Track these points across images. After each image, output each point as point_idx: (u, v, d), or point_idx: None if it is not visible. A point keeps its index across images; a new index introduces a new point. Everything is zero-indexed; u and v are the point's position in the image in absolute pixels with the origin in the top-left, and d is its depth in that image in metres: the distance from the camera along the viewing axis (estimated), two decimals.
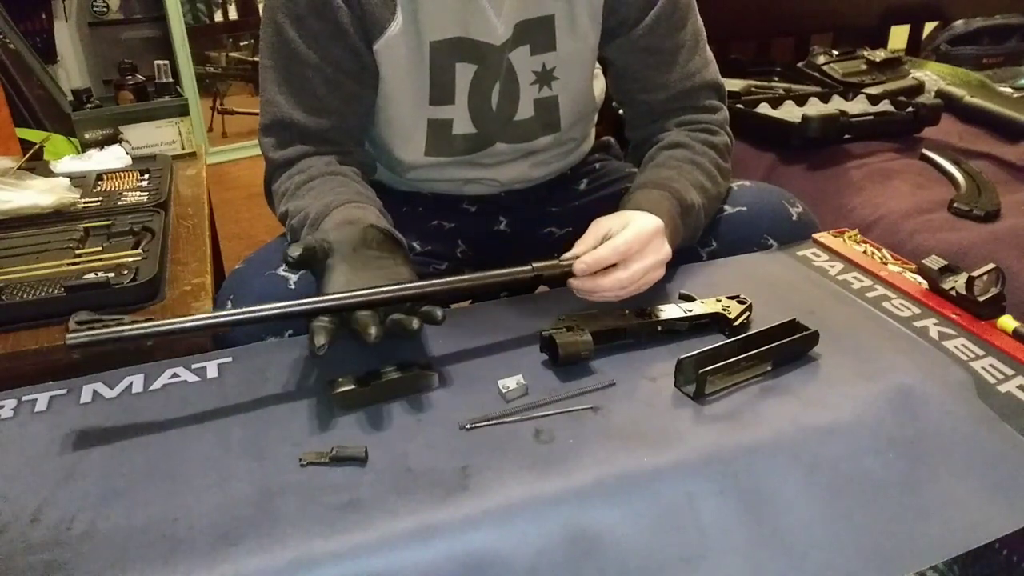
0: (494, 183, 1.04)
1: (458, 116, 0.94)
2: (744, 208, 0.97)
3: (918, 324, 0.77)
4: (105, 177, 1.31)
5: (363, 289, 0.68)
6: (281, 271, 0.84)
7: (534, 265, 0.76)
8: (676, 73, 0.96)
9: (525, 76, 0.94)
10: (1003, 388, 0.69)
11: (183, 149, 1.50)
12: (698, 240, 0.94)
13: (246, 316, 0.67)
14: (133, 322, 0.64)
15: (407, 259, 0.77)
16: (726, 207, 0.98)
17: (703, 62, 0.98)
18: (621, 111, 1.07)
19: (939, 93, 1.76)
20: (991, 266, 0.78)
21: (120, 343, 0.63)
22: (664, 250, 0.80)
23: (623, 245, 0.77)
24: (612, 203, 1.07)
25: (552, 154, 1.06)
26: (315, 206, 0.81)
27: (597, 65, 1.02)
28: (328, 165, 0.89)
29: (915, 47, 2.37)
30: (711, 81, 0.98)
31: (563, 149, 1.07)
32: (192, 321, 0.65)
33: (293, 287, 0.83)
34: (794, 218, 0.98)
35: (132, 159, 1.40)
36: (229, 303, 0.83)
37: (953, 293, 0.80)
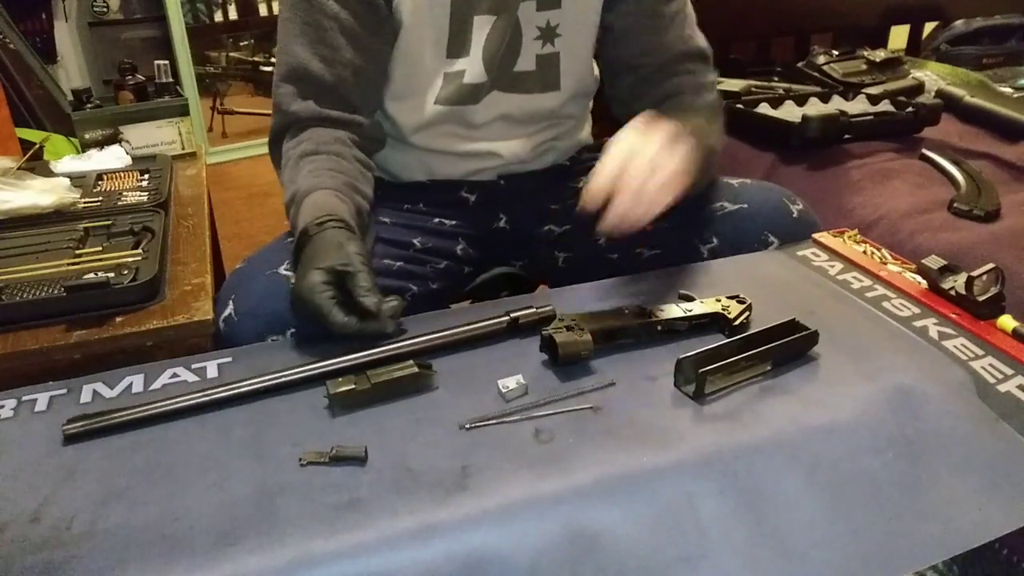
0: (494, 157, 1.05)
1: (470, 68, 0.96)
2: (745, 205, 0.97)
3: (918, 324, 0.77)
4: (105, 177, 1.31)
5: (348, 353, 0.70)
6: (282, 270, 0.84)
7: (511, 314, 0.77)
8: (672, 36, 0.99)
9: (530, 31, 0.97)
10: (1003, 388, 0.69)
11: (183, 149, 1.50)
12: (699, 235, 0.95)
13: (235, 392, 0.67)
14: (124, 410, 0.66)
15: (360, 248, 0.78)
16: (726, 204, 0.98)
17: (693, 30, 1.02)
18: (609, 89, 1.08)
19: (939, 93, 1.76)
20: (991, 266, 0.78)
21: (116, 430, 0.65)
22: (673, 134, 0.80)
23: (615, 151, 0.77)
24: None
25: (550, 133, 1.07)
26: (304, 184, 0.84)
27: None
28: (336, 142, 0.90)
29: (915, 47, 2.37)
30: (703, 47, 1.02)
31: (561, 129, 1.08)
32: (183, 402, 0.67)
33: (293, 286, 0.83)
34: (795, 215, 0.99)
35: (132, 159, 1.40)
36: (231, 303, 0.83)
37: (953, 293, 0.80)
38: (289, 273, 0.84)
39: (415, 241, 1.00)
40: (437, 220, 1.05)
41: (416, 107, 0.99)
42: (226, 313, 0.83)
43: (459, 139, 1.03)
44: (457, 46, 0.95)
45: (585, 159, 1.14)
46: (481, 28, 0.94)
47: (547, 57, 0.99)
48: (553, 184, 1.10)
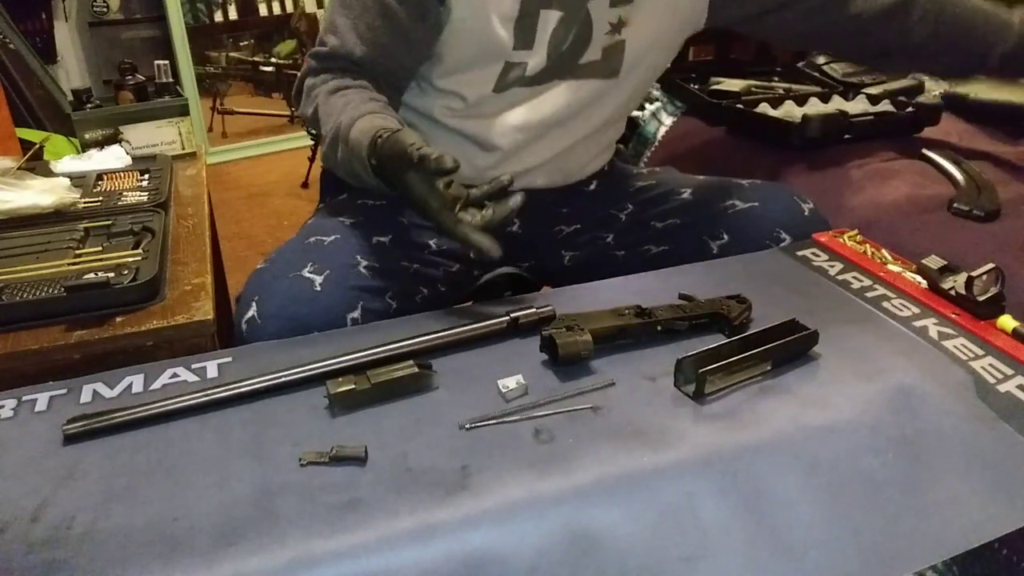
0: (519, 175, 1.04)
1: (533, 61, 0.96)
2: (756, 204, 0.98)
3: (918, 324, 0.77)
4: (105, 177, 1.31)
5: (349, 354, 0.70)
6: (306, 273, 0.84)
7: (511, 314, 0.76)
8: None
9: (600, 26, 0.96)
10: (1003, 388, 0.69)
11: (183, 149, 1.50)
12: (709, 233, 0.96)
13: (235, 392, 0.67)
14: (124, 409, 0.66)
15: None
16: (737, 202, 0.98)
17: None
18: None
19: (945, 95, 1.75)
20: (991, 266, 0.78)
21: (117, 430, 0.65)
22: None
23: None
24: (619, 202, 1.07)
25: (584, 147, 1.07)
26: (345, 117, 0.86)
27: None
28: (362, 83, 0.92)
29: None
30: None
31: (595, 148, 1.09)
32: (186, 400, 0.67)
33: (319, 289, 0.83)
34: (806, 213, 0.99)
35: (132, 159, 1.40)
36: (254, 305, 0.82)
37: (953, 293, 0.80)
38: (312, 276, 0.84)
39: (431, 242, 1.00)
40: None
41: (474, 89, 0.98)
42: (249, 315, 0.82)
43: (480, 156, 1.02)
44: (523, 39, 0.94)
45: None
46: (547, 22, 0.93)
47: (613, 47, 0.98)
48: (566, 192, 1.10)
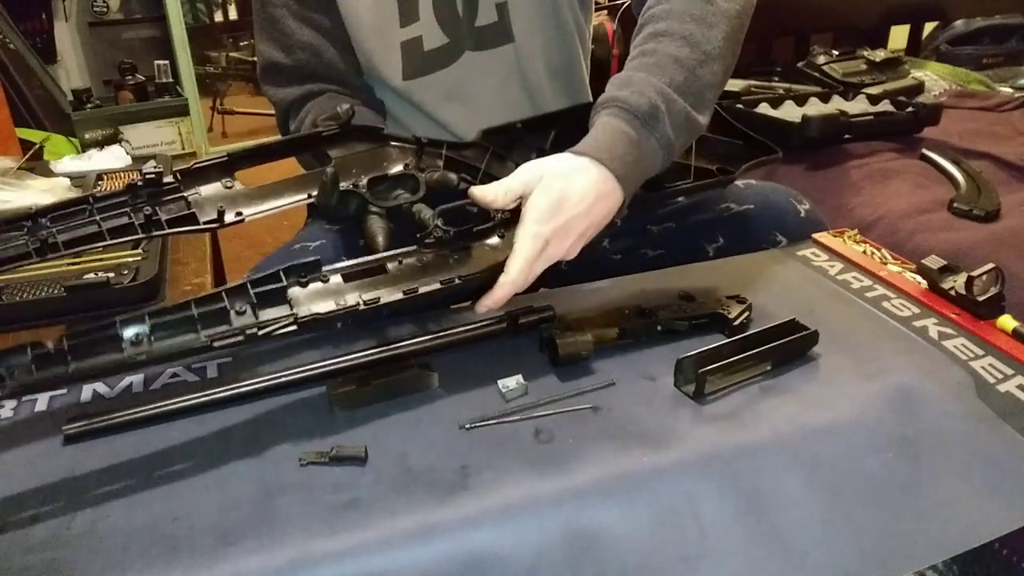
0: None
1: (426, 31, 0.93)
2: (752, 206, 0.97)
3: (918, 324, 0.77)
4: (105, 177, 1.31)
5: (349, 354, 0.69)
6: None
7: (511, 314, 0.75)
8: None
9: None
10: (1002, 388, 0.69)
11: (183, 149, 1.50)
12: (704, 236, 0.95)
13: (235, 392, 0.67)
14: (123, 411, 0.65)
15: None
16: (732, 205, 0.98)
17: None
18: None
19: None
20: (991, 266, 0.78)
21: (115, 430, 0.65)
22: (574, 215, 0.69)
23: (517, 274, 0.68)
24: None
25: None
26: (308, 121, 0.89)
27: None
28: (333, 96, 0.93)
29: (915, 47, 2.37)
30: None
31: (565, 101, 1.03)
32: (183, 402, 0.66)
33: None
34: (802, 214, 0.99)
35: (132, 159, 1.40)
36: None
37: (953, 293, 0.80)
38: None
39: None
40: None
41: (390, 77, 0.96)
42: None
43: (439, 109, 0.99)
44: (406, 11, 0.91)
45: None
46: None
47: (505, 5, 0.94)
48: None
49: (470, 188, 0.72)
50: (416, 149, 0.80)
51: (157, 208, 0.65)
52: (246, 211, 0.70)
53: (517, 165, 0.74)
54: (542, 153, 0.84)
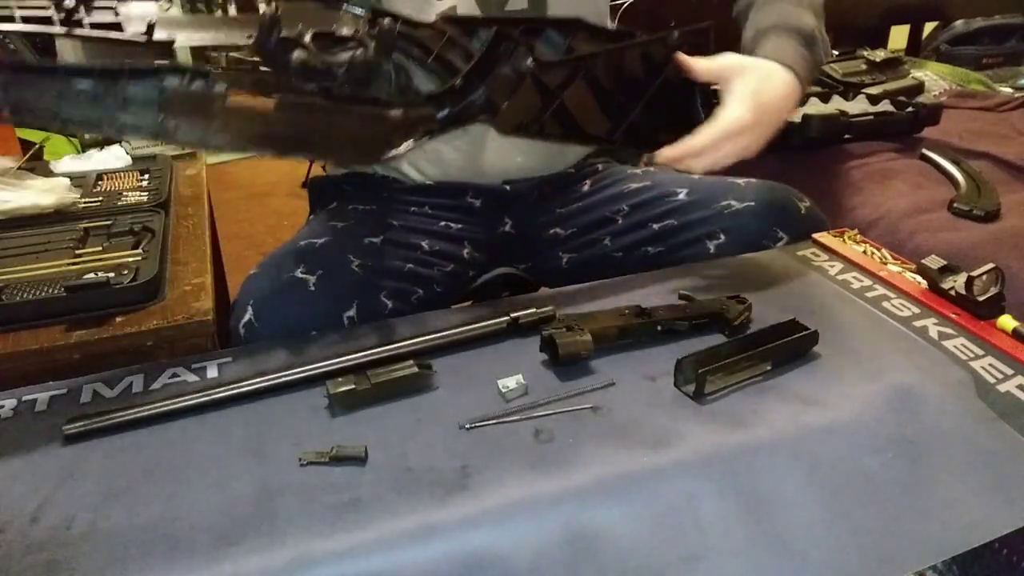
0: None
1: (461, 7, 0.92)
2: (753, 203, 0.97)
3: (918, 324, 0.77)
4: (105, 177, 1.31)
5: (349, 353, 0.70)
6: (299, 274, 0.84)
7: (511, 314, 0.76)
8: None
9: None
10: (1002, 388, 0.69)
11: (183, 149, 1.50)
12: (706, 234, 0.95)
13: (235, 392, 0.67)
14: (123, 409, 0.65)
15: None
16: (733, 202, 0.98)
17: None
18: None
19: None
20: (991, 266, 0.78)
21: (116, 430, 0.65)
22: (761, 123, 0.82)
23: (706, 140, 0.80)
24: (614, 203, 1.06)
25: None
26: None
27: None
28: None
29: (915, 47, 2.37)
30: None
31: None
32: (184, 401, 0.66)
33: (313, 288, 0.83)
34: (803, 212, 0.99)
35: (132, 159, 1.40)
36: (249, 309, 0.83)
37: (953, 293, 0.80)
38: (306, 277, 0.84)
39: (423, 243, 1.00)
40: (444, 223, 1.04)
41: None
42: (245, 319, 0.82)
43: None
44: None
45: (590, 163, 1.13)
46: None
47: None
48: (558, 190, 1.09)
49: (677, 53, 0.83)
50: (369, 19, 0.78)
51: (83, 6, 0.65)
52: (179, 35, 0.70)
53: (477, 55, 0.77)
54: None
